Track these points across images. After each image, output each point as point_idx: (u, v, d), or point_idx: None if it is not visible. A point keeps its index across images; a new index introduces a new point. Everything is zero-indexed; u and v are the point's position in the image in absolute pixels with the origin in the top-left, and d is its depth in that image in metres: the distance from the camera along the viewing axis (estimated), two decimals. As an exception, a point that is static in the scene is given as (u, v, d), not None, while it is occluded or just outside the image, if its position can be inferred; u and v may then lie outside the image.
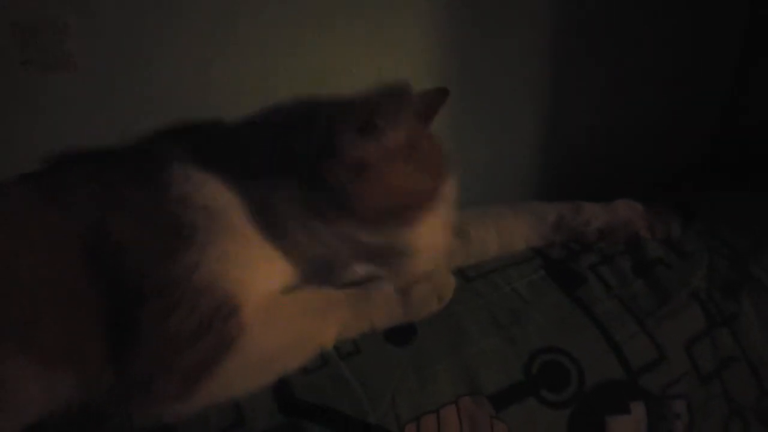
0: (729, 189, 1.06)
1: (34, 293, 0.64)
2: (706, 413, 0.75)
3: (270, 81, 0.97)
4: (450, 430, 0.68)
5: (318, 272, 0.73)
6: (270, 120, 0.74)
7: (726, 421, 0.76)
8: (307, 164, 0.67)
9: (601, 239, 0.85)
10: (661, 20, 1.20)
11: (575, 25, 1.13)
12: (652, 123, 1.25)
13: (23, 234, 0.66)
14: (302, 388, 0.68)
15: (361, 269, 0.72)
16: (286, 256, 0.71)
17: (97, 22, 0.88)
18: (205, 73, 0.95)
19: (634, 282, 0.82)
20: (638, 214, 0.85)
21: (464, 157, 1.10)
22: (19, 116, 0.89)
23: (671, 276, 0.82)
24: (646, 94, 1.23)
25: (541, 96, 1.15)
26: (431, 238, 0.71)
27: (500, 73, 1.11)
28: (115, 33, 0.90)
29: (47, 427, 0.64)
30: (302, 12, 0.97)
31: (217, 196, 0.69)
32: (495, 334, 0.75)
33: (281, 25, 0.97)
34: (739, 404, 0.77)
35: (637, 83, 1.22)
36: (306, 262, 0.72)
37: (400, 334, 0.73)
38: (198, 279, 0.65)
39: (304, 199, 0.68)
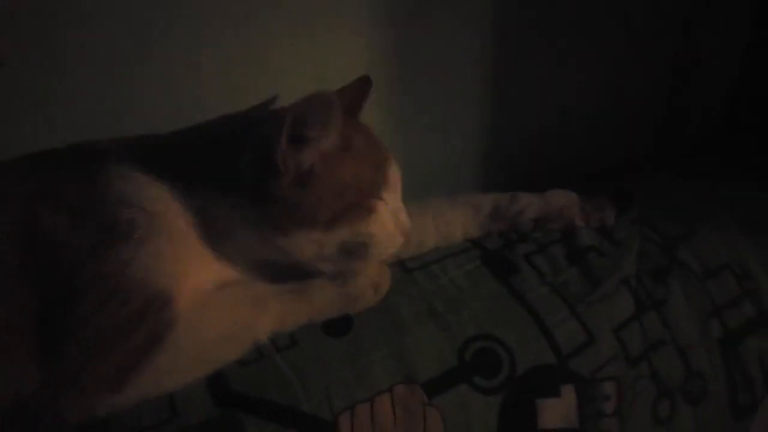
0: (670, 178, 1.09)
1: None
2: (635, 394, 0.77)
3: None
4: (383, 418, 0.69)
5: (264, 272, 0.74)
6: (206, 135, 0.75)
7: (654, 401, 0.79)
8: (250, 183, 0.69)
9: (535, 228, 0.87)
10: (610, 6, 1.22)
11: (519, 12, 1.15)
12: (597, 113, 1.27)
13: None
14: (238, 380, 0.69)
15: (326, 266, 0.73)
16: (228, 260, 0.72)
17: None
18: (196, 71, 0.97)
19: (567, 269, 0.84)
20: (572, 202, 0.87)
21: (410, 150, 1.13)
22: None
23: (603, 263, 0.85)
24: (591, 84, 1.25)
25: (485, 85, 1.17)
26: (388, 222, 0.74)
27: (443, 62, 1.12)
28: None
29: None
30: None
31: (156, 199, 0.69)
32: (430, 322, 0.76)
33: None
34: (667, 385, 0.80)
35: (582, 73, 1.24)
36: (252, 263, 0.74)
37: (338, 326, 0.75)
38: (131, 274, 0.65)
39: (257, 216, 0.69)
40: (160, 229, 0.68)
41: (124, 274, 0.65)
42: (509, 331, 0.76)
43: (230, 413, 0.67)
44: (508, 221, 0.87)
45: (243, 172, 0.68)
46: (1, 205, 0.68)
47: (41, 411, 0.63)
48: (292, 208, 0.68)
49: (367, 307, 0.76)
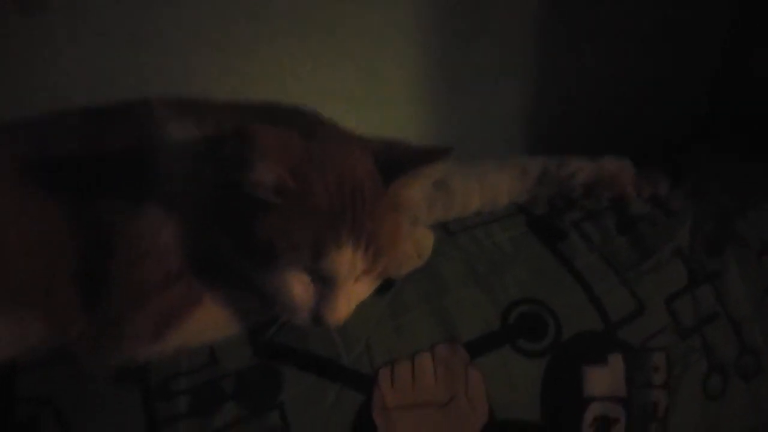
0: (720, 152, 1.05)
1: (10, 232, 0.64)
2: (685, 367, 0.74)
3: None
4: (424, 376, 0.67)
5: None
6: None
7: (706, 375, 0.75)
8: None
9: (586, 195, 0.84)
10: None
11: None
12: (645, 81, 1.22)
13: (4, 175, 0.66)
14: (278, 332, 0.68)
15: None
16: None
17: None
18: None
19: (616, 238, 0.81)
20: (625, 170, 0.84)
21: (454, 113, 1.11)
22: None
23: (655, 233, 0.81)
24: (638, 50, 1.21)
25: (530, 51, 1.14)
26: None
27: (489, 29, 1.10)
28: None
29: (17, 368, 0.64)
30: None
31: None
32: (473, 284, 0.74)
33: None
34: (720, 360, 0.76)
35: (630, 39, 1.20)
36: None
37: (379, 286, 0.73)
38: (167, 234, 0.64)
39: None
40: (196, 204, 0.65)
41: (160, 235, 0.64)
42: (555, 296, 0.74)
43: (268, 363, 0.66)
44: (556, 186, 0.84)
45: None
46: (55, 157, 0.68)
47: (84, 357, 0.63)
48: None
49: (411, 269, 0.75)
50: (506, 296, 0.73)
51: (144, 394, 0.63)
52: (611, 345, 0.72)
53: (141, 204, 0.64)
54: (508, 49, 1.11)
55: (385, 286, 0.73)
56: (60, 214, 0.64)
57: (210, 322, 0.66)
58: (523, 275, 0.76)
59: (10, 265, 0.63)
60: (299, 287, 0.62)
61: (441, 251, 0.77)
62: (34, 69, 0.90)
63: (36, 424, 0.62)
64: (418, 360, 0.68)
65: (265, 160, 0.57)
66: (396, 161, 0.65)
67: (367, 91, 1.06)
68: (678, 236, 0.81)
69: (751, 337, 0.78)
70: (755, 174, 0.98)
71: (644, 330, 0.74)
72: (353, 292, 0.65)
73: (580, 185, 0.83)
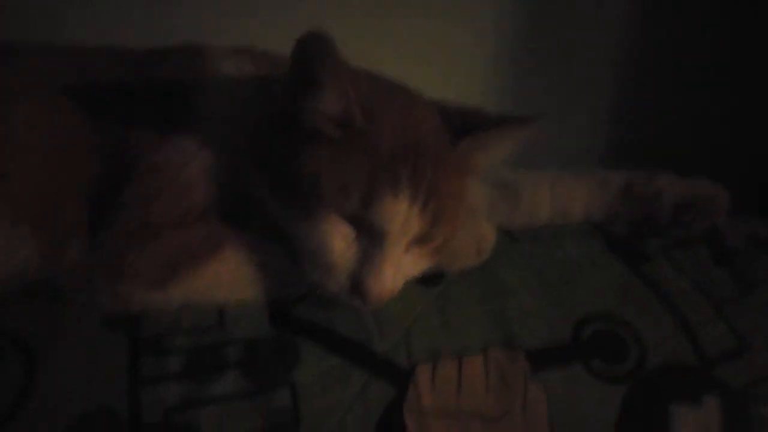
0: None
1: (32, 140, 0.57)
2: (800, 426, 0.59)
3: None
4: (473, 382, 0.55)
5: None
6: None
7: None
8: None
9: (675, 217, 0.72)
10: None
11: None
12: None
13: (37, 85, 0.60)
14: (304, 306, 0.57)
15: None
16: None
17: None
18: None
19: (712, 269, 0.68)
20: (722, 195, 0.72)
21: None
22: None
23: (758, 267, 0.68)
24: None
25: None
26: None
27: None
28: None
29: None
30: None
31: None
32: (540, 291, 0.62)
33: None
34: None
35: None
36: None
37: (428, 277, 0.62)
38: (197, 167, 0.57)
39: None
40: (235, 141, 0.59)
41: (190, 167, 0.57)
42: (639, 317, 0.61)
43: (286, 335, 0.55)
44: (641, 204, 0.72)
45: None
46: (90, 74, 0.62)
47: (74, 293, 0.54)
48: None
49: (467, 266, 0.63)
50: (580, 310, 0.61)
51: (131, 346, 0.52)
52: (706, 384, 0.58)
53: (174, 135, 0.57)
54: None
55: (435, 280, 0.62)
56: (88, 134, 0.59)
57: (225, 278, 0.56)
58: (600, 290, 0.63)
59: (22, 173, 0.56)
60: (340, 241, 0.53)
61: (503, 255, 0.66)
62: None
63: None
64: (467, 361, 0.55)
65: (337, 85, 0.50)
66: (470, 123, 0.57)
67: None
68: (786, 276, 0.68)
69: None
70: None
71: (748, 372, 0.59)
72: (402, 262, 0.54)
73: (669, 205, 0.71)
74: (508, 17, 1.02)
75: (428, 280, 0.62)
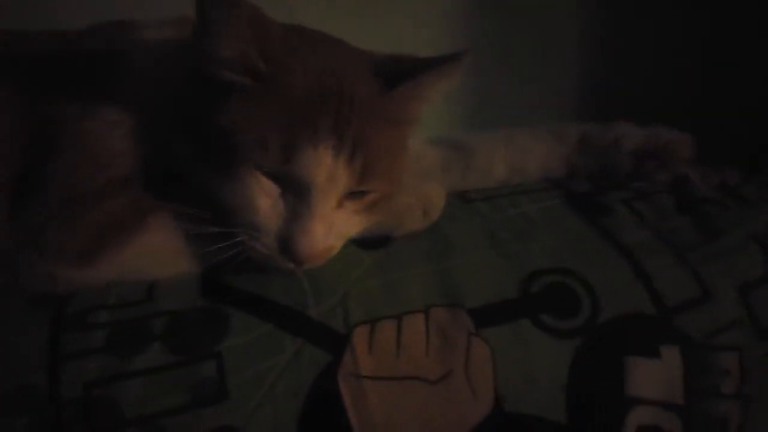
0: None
1: None
2: (765, 375, 0.56)
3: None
4: (412, 341, 0.52)
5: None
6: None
7: (794, 391, 0.56)
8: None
9: (637, 167, 0.68)
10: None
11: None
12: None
13: None
14: (238, 276, 0.55)
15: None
16: None
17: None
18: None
19: (676, 217, 0.65)
20: (685, 141, 0.69)
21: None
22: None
23: (726, 215, 0.65)
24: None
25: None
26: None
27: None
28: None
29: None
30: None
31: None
32: (489, 248, 0.60)
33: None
34: (816, 375, 0.57)
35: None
36: None
37: (372, 241, 0.60)
38: (119, 137, 0.55)
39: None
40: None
41: (112, 137, 0.55)
42: (593, 269, 0.58)
43: (215, 305, 0.53)
44: (599, 155, 0.69)
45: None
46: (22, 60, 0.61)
47: (3, 271, 0.52)
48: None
49: (414, 230, 0.61)
50: (531, 264, 0.58)
51: (53, 321, 0.50)
52: (666, 334, 0.55)
53: (95, 106, 0.56)
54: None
55: (379, 243, 0.60)
56: (9, 106, 0.57)
57: (155, 249, 0.54)
58: (554, 244, 0.60)
59: None
60: (265, 198, 0.51)
61: (454, 216, 0.64)
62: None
63: None
64: (407, 322, 0.53)
65: (230, 26, 0.48)
66: (402, 70, 0.54)
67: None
68: (755, 221, 0.64)
69: None
70: None
71: (710, 321, 0.56)
72: (335, 219, 0.52)
73: (628, 154, 0.68)
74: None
75: (372, 243, 0.60)
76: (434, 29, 0.98)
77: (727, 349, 0.56)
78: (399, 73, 0.54)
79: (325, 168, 0.50)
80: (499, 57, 1.00)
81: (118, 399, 0.47)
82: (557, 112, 1.04)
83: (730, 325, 0.57)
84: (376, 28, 0.94)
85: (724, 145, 0.80)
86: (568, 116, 1.01)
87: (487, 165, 0.69)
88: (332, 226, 0.52)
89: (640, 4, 1.05)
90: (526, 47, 1.03)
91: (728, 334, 0.56)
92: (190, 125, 0.53)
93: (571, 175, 0.71)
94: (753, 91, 1.02)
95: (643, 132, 0.69)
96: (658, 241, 0.61)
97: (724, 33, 1.05)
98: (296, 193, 0.51)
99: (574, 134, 0.70)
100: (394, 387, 0.50)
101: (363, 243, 0.59)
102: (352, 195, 0.53)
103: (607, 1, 1.04)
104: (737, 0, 1.03)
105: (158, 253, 0.54)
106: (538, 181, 0.71)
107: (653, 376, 0.53)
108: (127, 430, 0.46)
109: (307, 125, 0.49)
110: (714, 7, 1.04)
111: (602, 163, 0.69)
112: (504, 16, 1.01)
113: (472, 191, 0.69)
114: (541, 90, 1.03)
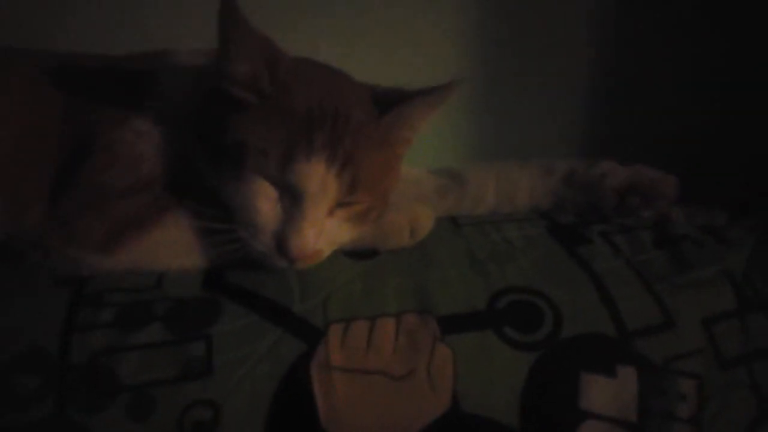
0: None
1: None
2: (724, 404, 0.58)
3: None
4: (381, 341, 0.58)
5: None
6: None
7: (753, 422, 0.58)
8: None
9: (621, 203, 0.72)
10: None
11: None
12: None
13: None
14: (236, 273, 0.62)
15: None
16: None
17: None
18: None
19: (651, 251, 0.68)
20: (669, 181, 0.72)
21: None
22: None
23: (701, 252, 0.68)
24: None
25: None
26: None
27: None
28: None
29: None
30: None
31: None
32: (467, 266, 0.65)
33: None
34: (774, 406, 0.59)
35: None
36: None
37: (360, 253, 0.66)
38: (144, 144, 0.64)
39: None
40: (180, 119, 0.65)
41: (139, 144, 0.64)
42: (560, 291, 0.62)
43: (213, 295, 0.60)
44: (584, 190, 0.74)
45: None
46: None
47: (33, 247, 0.61)
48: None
49: (399, 247, 0.67)
50: (502, 282, 0.63)
51: (72, 297, 0.58)
52: (623, 355, 0.59)
53: (128, 117, 0.65)
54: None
55: (367, 255, 0.66)
56: (56, 118, 0.66)
57: (168, 245, 0.62)
58: (527, 267, 0.65)
59: None
60: (265, 201, 0.58)
61: (441, 236, 0.69)
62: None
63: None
64: (380, 323, 0.58)
65: (241, 45, 0.57)
66: (394, 99, 0.62)
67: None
68: (729, 260, 0.67)
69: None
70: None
71: (670, 347, 0.59)
72: (325, 225, 0.59)
73: (612, 190, 0.72)
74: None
75: (361, 255, 0.66)
76: (443, 65, 1.05)
77: (686, 375, 0.59)
78: (391, 101, 0.62)
79: (318, 178, 0.57)
80: (508, 94, 1.07)
81: (117, 368, 0.54)
82: (564, 151, 1.08)
83: (692, 353, 0.60)
84: (380, 59, 1.03)
85: (717, 187, 0.84)
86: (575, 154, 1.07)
87: (479, 194, 0.75)
88: (323, 231, 0.59)
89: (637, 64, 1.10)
90: (533, 85, 1.09)
91: (689, 361, 0.59)
92: (206, 135, 0.61)
93: (558, 207, 0.76)
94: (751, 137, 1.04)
95: (626, 170, 0.73)
96: (629, 270, 0.65)
97: (735, 77, 1.08)
98: (292, 199, 0.58)
99: (561, 169, 0.75)
100: (360, 379, 0.55)
101: (353, 254, 0.66)
102: (342, 205, 0.60)
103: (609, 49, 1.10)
104: (736, 39, 1.07)
105: (172, 246, 0.62)
106: (527, 212, 0.76)
107: (607, 393, 0.57)
108: (123, 395, 0.53)
109: (304, 140, 0.57)
110: (720, 51, 1.08)
111: (587, 198, 0.74)
112: (510, 55, 1.08)
113: (463, 217, 0.75)
114: (546, 127, 1.08)
